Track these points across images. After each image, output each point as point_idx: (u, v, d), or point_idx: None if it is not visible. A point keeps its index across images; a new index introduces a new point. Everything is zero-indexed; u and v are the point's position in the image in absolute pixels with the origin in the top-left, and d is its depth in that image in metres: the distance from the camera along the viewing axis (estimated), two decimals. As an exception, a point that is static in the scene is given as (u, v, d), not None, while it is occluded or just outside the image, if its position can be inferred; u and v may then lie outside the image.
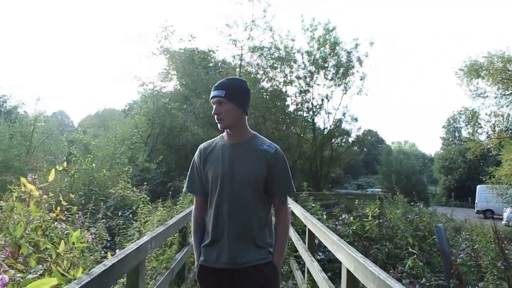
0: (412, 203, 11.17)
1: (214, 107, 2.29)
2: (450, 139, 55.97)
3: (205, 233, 2.37)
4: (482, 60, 26.92)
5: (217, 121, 2.30)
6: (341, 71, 23.57)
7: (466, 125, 51.50)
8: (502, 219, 25.61)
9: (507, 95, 26.54)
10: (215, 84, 2.34)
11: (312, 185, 18.46)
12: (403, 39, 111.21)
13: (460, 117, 54.23)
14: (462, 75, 27.64)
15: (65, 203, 3.85)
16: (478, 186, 32.15)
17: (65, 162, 4.07)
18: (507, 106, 27.78)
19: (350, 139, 26.77)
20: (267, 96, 21.91)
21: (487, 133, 34.93)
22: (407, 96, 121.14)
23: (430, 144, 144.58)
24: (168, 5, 67.02)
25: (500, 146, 25.63)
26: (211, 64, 23.03)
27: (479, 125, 36.17)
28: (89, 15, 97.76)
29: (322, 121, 24.26)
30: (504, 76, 26.38)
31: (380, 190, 24.24)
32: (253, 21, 21.01)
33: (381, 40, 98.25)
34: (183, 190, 2.71)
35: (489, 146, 27.29)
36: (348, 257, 2.65)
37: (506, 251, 6.41)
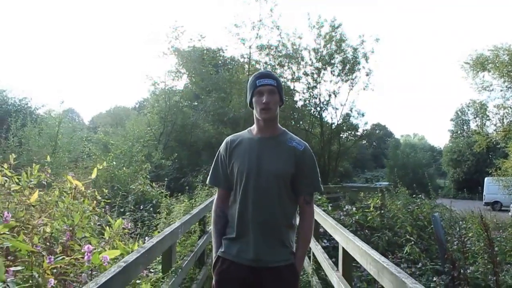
0: (414, 195, 11.71)
1: (263, 96, 2.22)
2: (459, 132, 56.05)
3: (227, 226, 2.34)
4: (487, 54, 27.19)
5: (262, 111, 2.22)
6: (347, 67, 24.05)
7: (475, 118, 51.56)
8: (510, 210, 25.99)
9: (512, 87, 26.78)
10: (261, 73, 2.31)
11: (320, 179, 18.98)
12: (412, 32, 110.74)
13: (468, 110, 54.23)
14: (468, 68, 27.87)
15: (100, 198, 4.48)
16: (486, 179, 32.41)
17: (104, 162, 4.67)
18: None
19: (357, 133, 27.32)
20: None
21: (495, 125, 35.13)
22: (416, 89, 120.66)
23: (440, 137, 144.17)
24: (178, 5, 67.67)
25: (507, 138, 25.97)
26: (220, 62, 23.67)
27: (487, 118, 36.39)
28: (98, 14, 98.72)
29: (330, 117, 24.85)
30: (510, 69, 26.61)
31: (387, 183, 24.69)
32: (260, 20, 21.60)
33: (390, 34, 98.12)
34: (207, 182, 2.58)
35: (496, 139, 27.57)
36: (342, 236, 3.29)
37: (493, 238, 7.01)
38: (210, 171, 2.43)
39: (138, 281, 2.95)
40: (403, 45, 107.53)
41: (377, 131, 69.90)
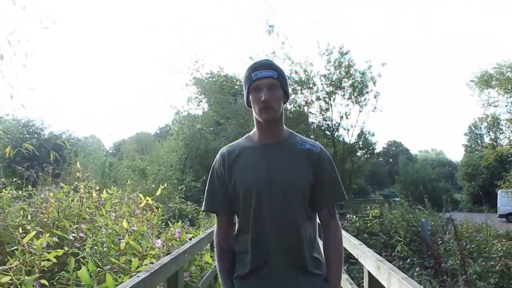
0: (418, 208, 13.25)
1: (261, 92, 1.74)
2: (473, 146, 56.80)
3: (236, 262, 1.89)
4: (491, 71, 28.55)
5: (262, 110, 1.75)
6: (356, 90, 25.76)
7: (488, 132, 52.37)
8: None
9: (516, 103, 28.02)
10: (257, 63, 1.83)
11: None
12: (429, 49, 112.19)
13: (482, 124, 55.08)
14: (474, 86, 29.26)
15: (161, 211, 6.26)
16: (499, 191, 33.33)
17: (165, 183, 6.48)
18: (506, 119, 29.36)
19: (369, 152, 28.85)
20: (291, 115, 24.35)
21: (508, 138, 36.14)
22: (434, 105, 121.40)
23: (457, 151, 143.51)
24: (197, 34, 70.82)
25: (513, 152, 27.17)
26: (238, 90, 25.67)
27: (501, 131, 37.51)
28: (112, 38, 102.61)
29: (342, 137, 26.46)
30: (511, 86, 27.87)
31: (398, 199, 26.08)
32: (273, 52, 23.59)
33: (409, 52, 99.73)
34: (202, 209, 2.10)
35: (503, 152, 28.70)
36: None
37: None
38: (205, 194, 1.94)
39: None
40: (420, 61, 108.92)
41: (393, 148, 71.47)
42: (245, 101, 1.86)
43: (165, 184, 10.72)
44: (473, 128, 57.40)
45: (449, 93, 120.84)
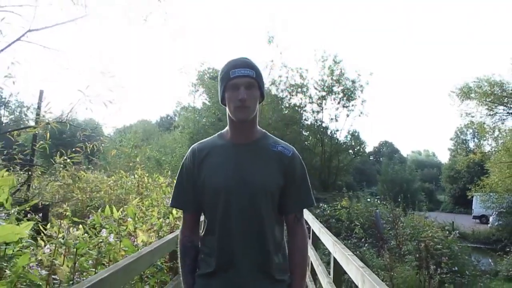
0: (384, 203, 16.10)
1: (238, 90, 1.68)
2: (457, 150, 59.71)
3: (200, 260, 1.83)
4: (471, 85, 31.17)
5: (237, 109, 1.69)
6: (346, 96, 28.46)
7: (473, 138, 55.21)
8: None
9: (492, 115, 30.73)
10: (236, 61, 1.76)
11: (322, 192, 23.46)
12: (425, 49, 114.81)
13: (467, 130, 57.92)
14: (455, 96, 31.93)
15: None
16: (474, 195, 36.19)
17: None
18: (492, 125, 32.02)
19: (357, 152, 31.73)
20: (287, 111, 27.14)
21: (490, 145, 38.92)
22: (430, 108, 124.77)
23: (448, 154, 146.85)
24: (202, 41, 73.27)
25: (484, 158, 30.04)
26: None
27: (485, 138, 40.32)
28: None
29: (330, 138, 29.19)
30: (490, 99, 30.54)
31: (378, 197, 28.95)
32: (272, 60, 26.19)
33: (400, 57, 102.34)
34: (169, 204, 2.12)
35: (474, 160, 31.43)
36: (309, 218, 7.20)
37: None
38: (173, 190, 1.88)
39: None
40: (411, 66, 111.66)
41: (384, 148, 74.31)
42: (220, 98, 1.79)
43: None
44: (459, 133, 60.39)
45: (444, 97, 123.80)
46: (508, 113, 31.03)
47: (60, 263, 2.21)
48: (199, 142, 1.90)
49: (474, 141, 54.83)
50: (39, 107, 6.67)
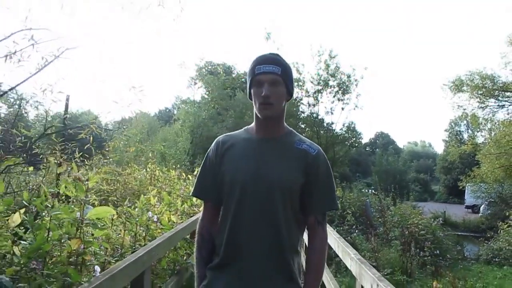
0: (375, 193, 17.11)
1: (262, 87, 1.70)
2: (452, 142, 60.70)
3: (213, 252, 1.82)
4: (463, 78, 32.03)
5: (261, 106, 1.71)
6: (341, 90, 29.36)
7: (467, 129, 56.19)
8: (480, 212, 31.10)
9: (483, 107, 31.66)
10: (262, 57, 1.76)
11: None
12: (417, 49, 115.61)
13: (462, 122, 58.85)
14: (447, 89, 32.79)
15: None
16: (467, 185, 37.26)
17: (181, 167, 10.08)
18: (485, 116, 32.98)
19: (353, 143, 32.75)
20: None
21: (483, 136, 39.92)
22: (428, 98, 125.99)
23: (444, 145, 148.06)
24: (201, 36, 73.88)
25: (475, 150, 31.03)
26: (238, 85, 29.27)
27: (478, 129, 41.26)
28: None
29: (326, 130, 30.12)
30: (481, 92, 31.42)
31: (373, 187, 30.04)
32: (268, 56, 26.98)
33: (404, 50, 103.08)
34: (191, 194, 2.12)
35: (467, 152, 32.41)
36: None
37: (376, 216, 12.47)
38: (196, 179, 1.91)
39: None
40: (416, 54, 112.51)
41: (380, 139, 75.36)
42: (248, 93, 1.80)
43: (182, 167, 14.31)
44: (453, 124, 61.40)
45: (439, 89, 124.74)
46: (498, 105, 31.90)
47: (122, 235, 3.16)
48: (224, 134, 1.94)
49: (468, 132, 56.14)
50: (66, 110, 7.38)
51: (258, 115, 1.75)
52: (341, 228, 11.56)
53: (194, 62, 26.93)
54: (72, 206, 2.64)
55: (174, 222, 4.13)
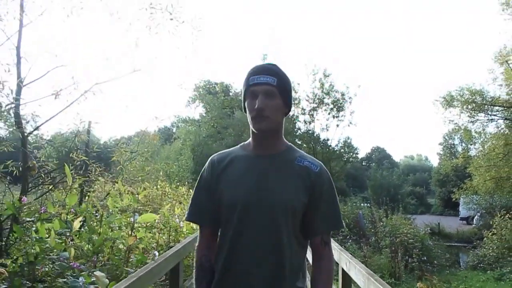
0: (369, 206, 18.07)
1: (257, 98, 1.57)
2: (446, 155, 61.72)
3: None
4: (454, 94, 33.17)
5: (255, 119, 1.59)
6: (336, 107, 30.52)
7: (460, 143, 57.28)
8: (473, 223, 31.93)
9: (473, 122, 32.74)
10: (258, 68, 1.65)
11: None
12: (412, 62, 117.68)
13: (455, 135, 59.93)
14: (438, 104, 33.88)
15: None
16: (461, 197, 38.09)
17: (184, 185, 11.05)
18: (477, 130, 34.09)
19: (348, 158, 33.80)
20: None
21: (477, 149, 40.92)
22: (422, 114, 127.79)
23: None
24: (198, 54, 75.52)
25: (466, 163, 32.05)
26: (237, 105, 30.41)
27: (472, 143, 42.28)
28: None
29: (322, 146, 31.18)
30: (471, 107, 32.50)
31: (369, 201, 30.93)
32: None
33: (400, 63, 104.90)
34: (185, 218, 1.98)
35: (459, 165, 33.38)
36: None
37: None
38: (190, 203, 1.77)
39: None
40: (411, 69, 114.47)
41: (376, 153, 76.37)
42: (242, 106, 1.68)
43: (185, 184, 15.23)
44: (447, 138, 62.57)
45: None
46: (488, 119, 32.95)
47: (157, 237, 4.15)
48: (219, 152, 1.79)
49: (461, 145, 57.19)
50: (88, 132, 8.26)
51: (253, 129, 1.63)
52: (336, 239, 12.48)
53: (193, 82, 28.05)
54: (122, 214, 3.60)
55: (193, 229, 5.08)
